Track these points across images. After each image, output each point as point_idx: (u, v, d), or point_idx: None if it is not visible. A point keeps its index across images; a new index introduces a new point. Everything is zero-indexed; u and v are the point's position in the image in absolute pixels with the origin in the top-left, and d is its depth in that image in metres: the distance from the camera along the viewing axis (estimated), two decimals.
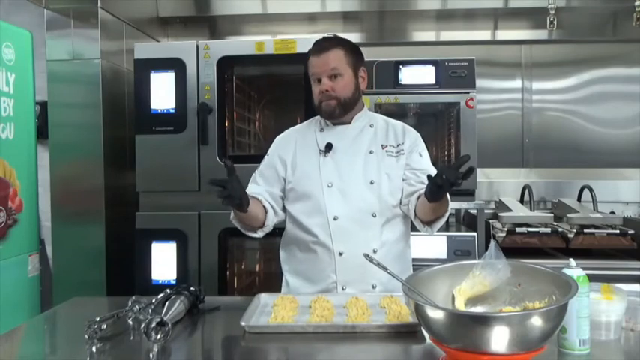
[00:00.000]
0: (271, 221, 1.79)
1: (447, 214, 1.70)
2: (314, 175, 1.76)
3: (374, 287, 1.72)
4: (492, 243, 1.23)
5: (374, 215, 1.73)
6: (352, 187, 1.74)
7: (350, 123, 1.81)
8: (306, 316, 1.42)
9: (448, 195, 1.63)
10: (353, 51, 1.78)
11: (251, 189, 1.80)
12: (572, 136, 3.37)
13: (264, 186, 1.82)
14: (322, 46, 1.75)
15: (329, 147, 1.76)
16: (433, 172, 1.73)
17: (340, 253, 1.71)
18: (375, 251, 1.70)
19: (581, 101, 3.38)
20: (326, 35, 1.87)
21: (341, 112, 1.76)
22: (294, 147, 1.83)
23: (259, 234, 1.79)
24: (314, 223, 1.74)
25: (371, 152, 1.77)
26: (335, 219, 1.72)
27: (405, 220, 1.82)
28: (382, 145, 1.79)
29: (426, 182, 1.67)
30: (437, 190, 1.49)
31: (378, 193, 1.73)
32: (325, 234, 1.72)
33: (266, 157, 1.87)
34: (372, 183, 1.73)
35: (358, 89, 1.79)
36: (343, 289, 1.71)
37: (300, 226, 1.78)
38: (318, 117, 1.87)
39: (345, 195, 1.73)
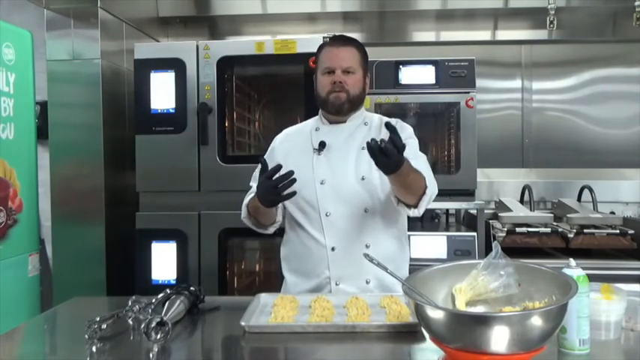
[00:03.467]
0: (281, 216, 1.83)
1: (427, 190, 1.63)
2: (308, 173, 1.77)
3: (367, 282, 1.73)
4: (497, 248, 1.22)
5: (366, 210, 1.74)
6: (344, 183, 1.75)
7: (345, 122, 1.83)
8: (306, 316, 1.42)
9: (421, 165, 1.63)
10: (365, 55, 1.83)
11: None
12: (572, 136, 3.37)
13: None
14: (342, 41, 1.80)
15: (322, 145, 1.79)
16: (415, 159, 1.68)
17: (332, 249, 1.73)
18: (367, 246, 1.72)
19: (581, 101, 3.38)
20: (326, 35, 1.88)
21: (348, 107, 1.78)
22: (291, 147, 1.86)
23: (271, 230, 1.84)
24: (307, 220, 1.77)
25: (363, 148, 1.77)
26: (327, 215, 1.74)
27: (399, 218, 1.82)
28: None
29: None
30: (382, 160, 1.43)
31: (368, 188, 1.74)
32: (317, 230, 1.75)
33: (269, 154, 1.87)
34: (363, 179, 1.74)
35: (364, 91, 1.83)
36: (337, 284, 1.73)
37: (295, 223, 1.81)
38: (315, 117, 1.90)
39: (337, 191, 1.75)
